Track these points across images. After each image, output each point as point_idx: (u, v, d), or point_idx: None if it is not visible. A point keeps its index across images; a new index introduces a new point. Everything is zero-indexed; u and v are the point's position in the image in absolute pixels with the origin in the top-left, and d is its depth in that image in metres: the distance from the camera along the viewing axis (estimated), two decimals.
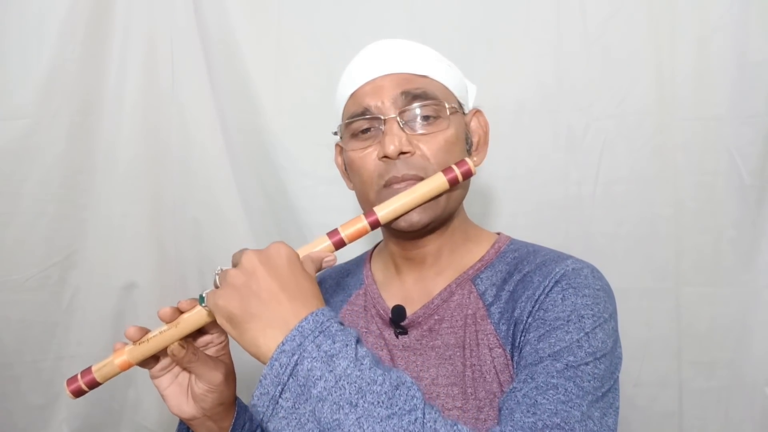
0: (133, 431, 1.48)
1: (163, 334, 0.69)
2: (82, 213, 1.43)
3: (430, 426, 0.54)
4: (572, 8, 1.29)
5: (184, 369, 0.74)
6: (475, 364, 0.73)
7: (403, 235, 0.80)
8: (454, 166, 0.75)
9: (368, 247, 0.96)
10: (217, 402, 0.74)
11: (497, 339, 0.72)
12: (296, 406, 0.55)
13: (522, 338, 0.69)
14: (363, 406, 0.54)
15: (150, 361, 0.73)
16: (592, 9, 1.28)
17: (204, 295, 0.65)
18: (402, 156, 0.75)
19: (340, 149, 0.87)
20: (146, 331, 0.71)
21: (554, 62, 1.30)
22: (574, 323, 0.67)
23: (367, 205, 0.79)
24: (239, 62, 1.38)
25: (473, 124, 0.85)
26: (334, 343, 0.57)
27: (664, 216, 1.29)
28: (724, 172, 1.27)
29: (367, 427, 0.53)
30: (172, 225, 1.48)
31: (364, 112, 0.77)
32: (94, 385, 0.71)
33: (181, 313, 0.71)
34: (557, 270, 0.72)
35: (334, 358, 0.56)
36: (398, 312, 0.79)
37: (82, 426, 1.45)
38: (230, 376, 0.76)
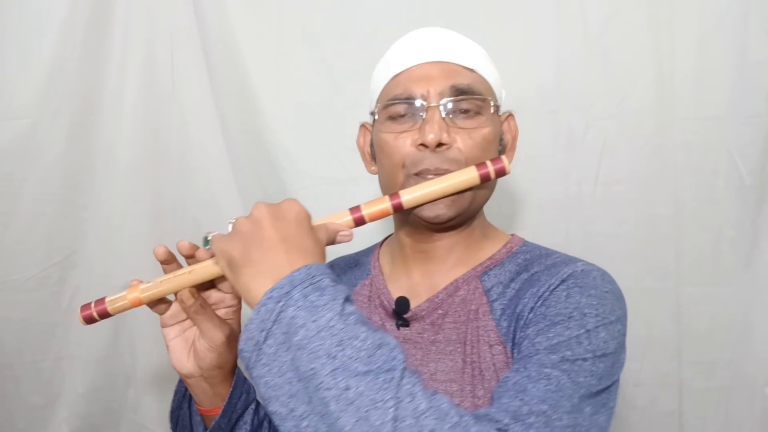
0: (133, 431, 1.48)
1: (176, 278, 0.69)
2: (82, 213, 1.42)
3: (407, 389, 0.53)
4: (572, 8, 1.28)
5: (190, 319, 0.74)
6: (474, 361, 0.72)
7: (421, 227, 0.79)
8: (488, 162, 0.73)
9: (380, 239, 0.95)
10: (215, 363, 0.74)
11: (498, 335, 0.71)
12: (278, 354, 0.55)
13: (521, 334, 0.68)
14: (341, 359, 0.53)
15: (162, 306, 0.74)
16: (592, 9, 1.28)
17: (209, 237, 0.66)
18: (438, 148, 0.74)
19: (365, 130, 0.86)
20: (173, 256, 0.72)
21: (554, 62, 1.30)
22: (576, 320, 0.65)
23: (392, 190, 0.77)
24: (239, 62, 1.38)
25: (504, 126, 0.84)
26: (322, 295, 0.56)
27: (664, 216, 1.29)
28: (724, 172, 1.26)
29: (341, 380, 0.52)
30: (172, 225, 1.48)
31: (408, 97, 0.76)
32: (105, 315, 0.72)
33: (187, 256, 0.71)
34: (565, 270, 0.71)
35: (318, 309, 0.55)
36: (402, 303, 0.79)
37: (82, 426, 1.45)
38: (233, 340, 0.75)
